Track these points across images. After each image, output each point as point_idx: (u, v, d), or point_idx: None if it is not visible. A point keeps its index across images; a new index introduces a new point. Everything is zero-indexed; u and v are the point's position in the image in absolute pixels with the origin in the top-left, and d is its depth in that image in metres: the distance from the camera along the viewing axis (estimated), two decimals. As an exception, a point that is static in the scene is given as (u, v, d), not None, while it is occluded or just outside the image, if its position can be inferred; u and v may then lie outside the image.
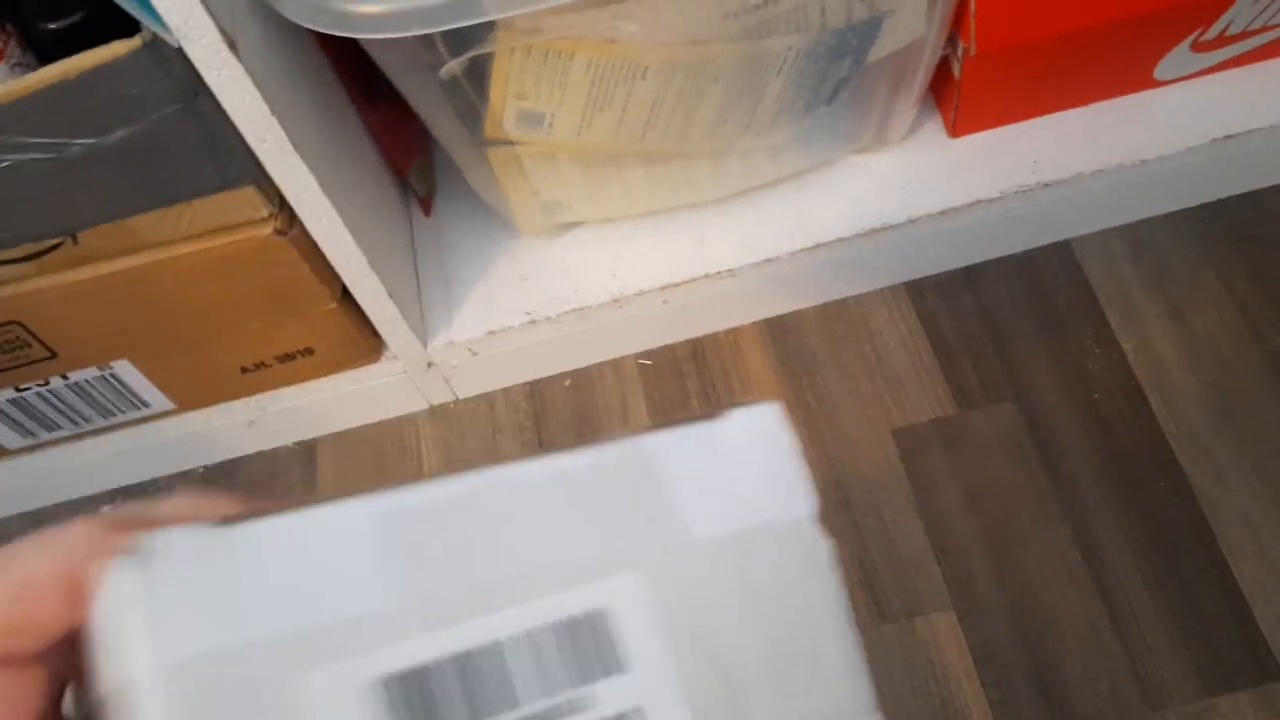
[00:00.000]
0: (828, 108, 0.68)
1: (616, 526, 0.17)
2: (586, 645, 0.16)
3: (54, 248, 0.58)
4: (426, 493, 0.16)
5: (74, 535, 0.17)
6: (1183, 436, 0.70)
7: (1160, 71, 0.75)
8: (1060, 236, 0.79)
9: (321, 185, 0.58)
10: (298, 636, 0.15)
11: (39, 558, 0.16)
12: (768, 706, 0.17)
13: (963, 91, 0.73)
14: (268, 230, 0.60)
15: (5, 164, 0.51)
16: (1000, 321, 0.76)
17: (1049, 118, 0.77)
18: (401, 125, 0.74)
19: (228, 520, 0.15)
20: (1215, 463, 0.69)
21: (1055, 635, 0.65)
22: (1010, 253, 0.78)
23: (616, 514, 0.17)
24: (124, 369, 0.68)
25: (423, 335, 0.74)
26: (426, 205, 0.79)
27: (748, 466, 0.18)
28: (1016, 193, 0.74)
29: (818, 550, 0.18)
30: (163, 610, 0.15)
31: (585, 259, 0.75)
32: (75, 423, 0.71)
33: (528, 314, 0.74)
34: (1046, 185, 0.74)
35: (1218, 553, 0.66)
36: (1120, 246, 0.78)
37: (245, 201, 0.58)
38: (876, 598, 0.68)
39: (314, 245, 0.62)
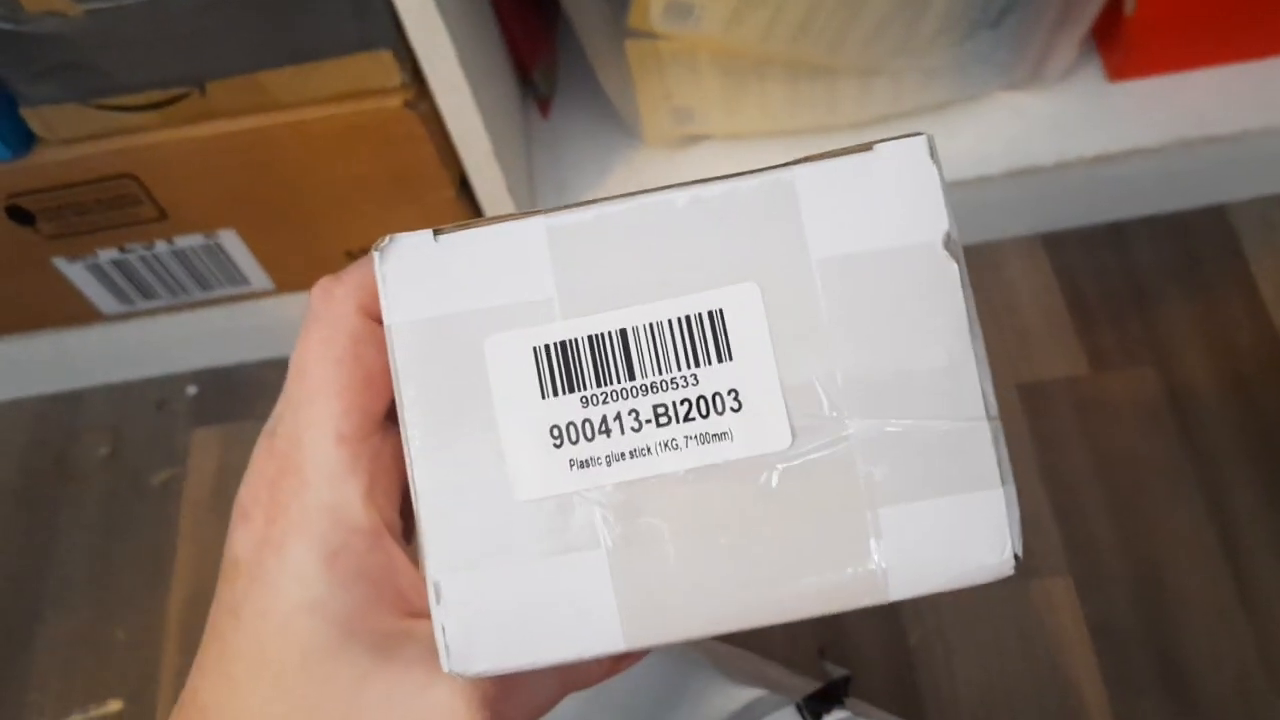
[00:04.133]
0: (990, 33, 0.64)
1: (745, 243, 0.20)
2: (698, 337, 0.20)
3: (181, 98, 0.55)
4: (592, 211, 0.20)
5: None
6: (1335, 420, 0.66)
7: (1345, 30, 0.69)
8: (1217, 199, 0.73)
9: (459, 58, 0.55)
10: (481, 313, 0.20)
11: None
12: (862, 402, 0.19)
13: (1133, 30, 0.67)
14: (397, 101, 0.57)
15: (146, -5, 0.48)
16: (1144, 283, 0.71)
17: (1214, 70, 0.71)
18: (533, 17, 0.71)
19: (441, 230, 0.20)
20: (1369, 451, 0.64)
21: (1180, 613, 0.61)
22: (1161, 211, 0.73)
23: (747, 233, 0.20)
24: (229, 240, 0.65)
25: (533, 239, 0.71)
26: (545, 107, 0.75)
27: (886, 194, 0.19)
28: (1177, 145, 0.69)
29: (944, 270, 0.19)
30: (392, 287, 0.20)
31: (709, 175, 0.72)
32: (173, 292, 0.69)
33: (644, 227, 0.71)
34: (1210, 140, 0.69)
35: (1365, 546, 0.62)
36: (1280, 216, 0.73)
37: (379, 67, 0.55)
38: (989, 555, 0.64)
39: (440, 126, 0.59)
